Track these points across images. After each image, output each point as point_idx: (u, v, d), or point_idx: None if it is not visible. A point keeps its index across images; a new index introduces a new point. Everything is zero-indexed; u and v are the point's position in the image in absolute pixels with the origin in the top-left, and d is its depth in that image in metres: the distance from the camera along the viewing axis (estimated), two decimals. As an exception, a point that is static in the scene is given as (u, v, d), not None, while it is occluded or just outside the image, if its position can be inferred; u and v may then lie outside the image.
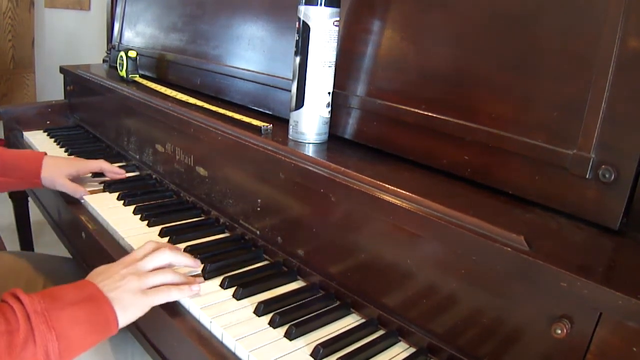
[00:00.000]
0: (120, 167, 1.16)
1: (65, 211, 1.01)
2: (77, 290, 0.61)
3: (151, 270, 0.68)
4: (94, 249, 0.87)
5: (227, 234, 0.88)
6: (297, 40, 0.76)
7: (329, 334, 0.62)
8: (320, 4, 0.73)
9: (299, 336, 0.62)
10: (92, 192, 1.00)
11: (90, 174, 1.08)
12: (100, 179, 1.07)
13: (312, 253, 0.73)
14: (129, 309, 0.62)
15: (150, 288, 0.66)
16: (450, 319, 0.57)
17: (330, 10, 0.73)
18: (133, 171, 1.16)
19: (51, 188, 1.00)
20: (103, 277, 0.64)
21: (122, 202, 0.96)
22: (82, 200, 0.98)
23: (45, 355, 0.54)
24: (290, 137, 0.80)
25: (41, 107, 1.50)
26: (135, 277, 0.65)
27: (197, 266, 0.73)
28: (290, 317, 0.64)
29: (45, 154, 1.02)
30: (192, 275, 0.72)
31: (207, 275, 0.73)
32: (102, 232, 0.89)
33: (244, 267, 0.77)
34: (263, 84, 0.95)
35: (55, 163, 1.00)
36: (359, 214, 0.65)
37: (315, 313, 0.66)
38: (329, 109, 0.79)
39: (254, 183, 0.82)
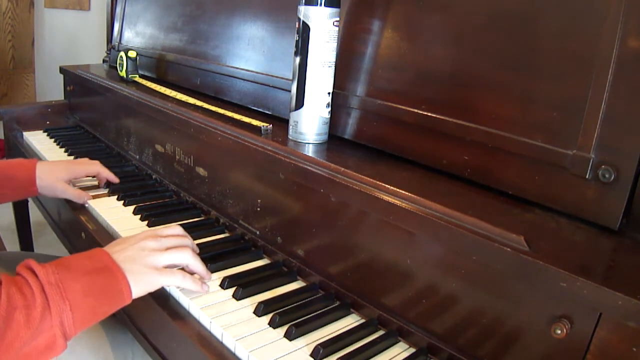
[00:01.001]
0: (120, 167, 1.16)
1: (65, 211, 1.01)
2: (91, 259, 0.62)
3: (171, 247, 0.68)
4: (94, 249, 0.87)
5: (227, 234, 0.88)
6: (297, 40, 0.76)
7: (328, 334, 0.62)
8: (320, 4, 0.73)
9: (299, 336, 0.62)
10: (95, 197, 0.98)
11: (90, 177, 1.06)
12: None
13: (312, 253, 0.73)
14: (140, 283, 0.63)
15: (166, 267, 0.66)
16: (450, 319, 0.57)
17: (330, 10, 0.73)
18: (133, 171, 1.15)
19: (51, 196, 0.98)
20: (120, 247, 0.65)
21: (122, 202, 0.96)
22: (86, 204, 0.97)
23: (60, 326, 0.55)
24: (290, 137, 0.80)
25: (41, 107, 1.50)
26: (154, 252, 0.65)
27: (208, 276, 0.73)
28: (290, 317, 0.64)
29: (37, 160, 0.99)
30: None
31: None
32: (102, 232, 0.89)
33: (244, 267, 0.77)
34: (263, 84, 0.95)
35: (49, 169, 0.97)
36: (359, 214, 0.65)
37: (315, 313, 0.66)
38: (329, 109, 0.79)
39: (254, 183, 0.82)
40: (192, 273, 0.70)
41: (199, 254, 0.75)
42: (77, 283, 0.57)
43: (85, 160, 1.04)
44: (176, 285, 0.67)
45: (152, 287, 0.65)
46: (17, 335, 0.52)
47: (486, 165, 0.63)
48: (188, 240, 0.72)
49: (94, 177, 1.06)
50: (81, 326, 0.58)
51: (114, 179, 1.04)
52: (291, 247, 0.76)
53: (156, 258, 0.65)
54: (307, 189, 0.72)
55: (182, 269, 0.70)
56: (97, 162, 1.04)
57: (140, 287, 0.63)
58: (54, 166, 0.98)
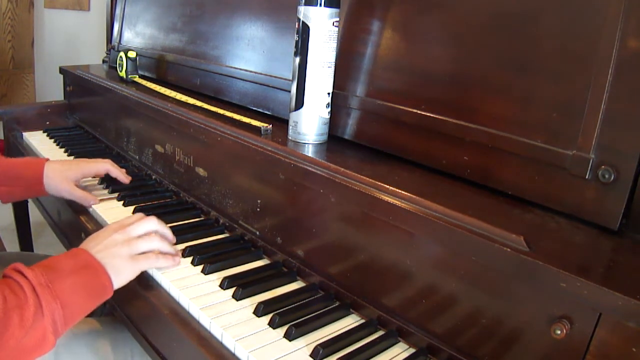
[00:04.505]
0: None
1: (65, 212, 1.01)
2: (73, 259, 0.65)
3: (140, 235, 0.72)
4: (94, 249, 0.87)
5: (226, 235, 0.88)
6: (296, 40, 0.76)
7: (328, 335, 0.62)
8: (320, 4, 0.73)
9: (299, 336, 0.61)
10: (101, 200, 0.97)
11: (97, 180, 1.05)
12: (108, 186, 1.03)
13: (312, 253, 0.73)
14: (121, 273, 0.67)
15: (140, 254, 0.70)
16: (449, 319, 0.57)
17: (330, 10, 0.73)
18: (132, 172, 1.15)
19: (58, 196, 0.97)
20: (95, 242, 0.69)
21: (121, 202, 0.96)
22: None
23: (52, 324, 0.58)
24: (290, 138, 0.80)
25: (41, 108, 1.50)
26: (126, 242, 0.70)
27: (174, 240, 0.79)
28: (290, 317, 0.64)
29: (48, 159, 0.98)
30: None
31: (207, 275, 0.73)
32: (102, 232, 0.88)
33: (244, 267, 0.77)
34: (262, 85, 0.95)
35: (57, 168, 0.95)
36: (359, 215, 0.65)
37: (315, 313, 0.66)
38: (329, 109, 0.79)
39: (254, 183, 0.82)
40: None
41: (198, 256, 0.76)
42: (65, 282, 0.60)
43: (97, 159, 1.02)
44: (153, 267, 0.72)
45: (133, 275, 0.69)
46: (12, 335, 0.54)
47: (486, 165, 0.63)
48: (152, 223, 0.75)
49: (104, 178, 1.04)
50: (71, 322, 0.61)
51: (124, 179, 1.02)
52: (291, 248, 0.76)
53: (130, 249, 0.69)
54: (307, 189, 0.72)
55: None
56: (107, 161, 1.02)
57: (121, 277, 0.67)
58: (62, 166, 0.97)
